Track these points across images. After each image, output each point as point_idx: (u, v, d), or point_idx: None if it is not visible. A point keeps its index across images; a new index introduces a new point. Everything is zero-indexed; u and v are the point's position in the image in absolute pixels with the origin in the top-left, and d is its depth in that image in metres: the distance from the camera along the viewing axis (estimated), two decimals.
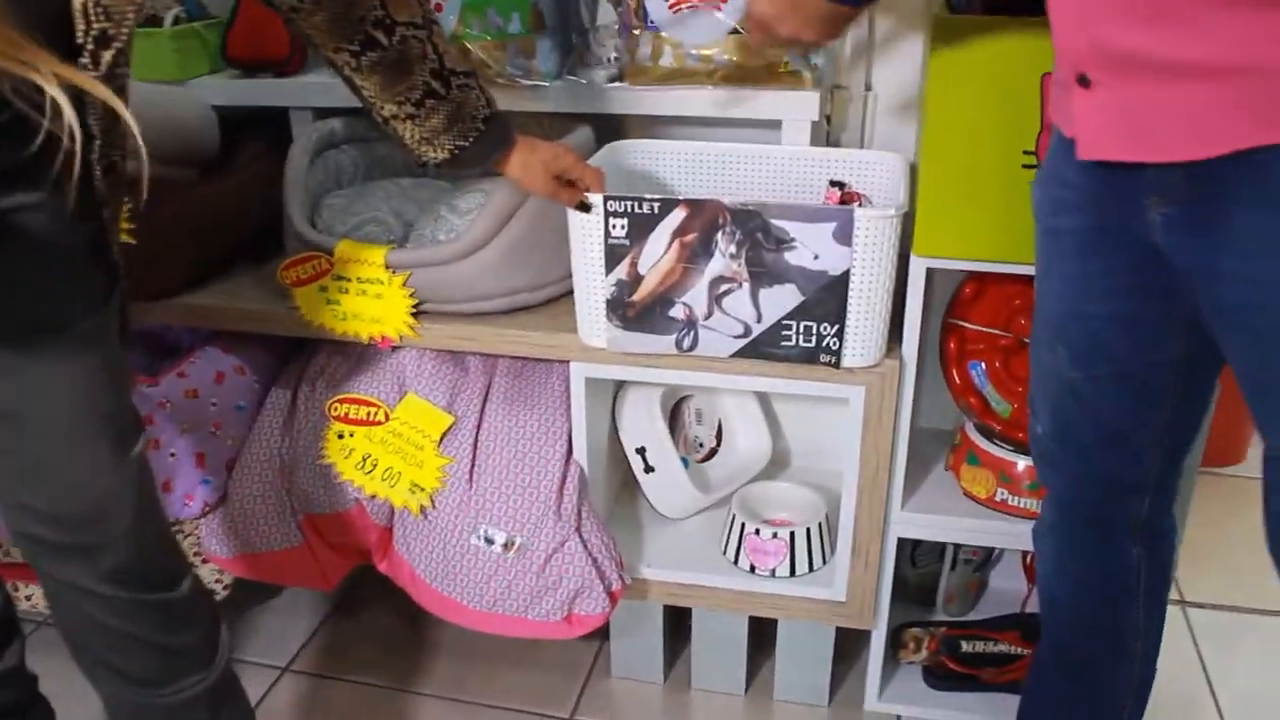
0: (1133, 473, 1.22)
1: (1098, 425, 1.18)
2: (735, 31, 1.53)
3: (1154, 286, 1.04)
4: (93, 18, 0.91)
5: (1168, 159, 0.93)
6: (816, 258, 1.37)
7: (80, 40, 0.91)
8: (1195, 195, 0.94)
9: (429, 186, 1.77)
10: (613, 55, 1.60)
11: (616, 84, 1.61)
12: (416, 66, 1.26)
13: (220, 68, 1.87)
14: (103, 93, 0.89)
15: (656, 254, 1.41)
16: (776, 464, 1.86)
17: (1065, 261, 1.10)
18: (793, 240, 1.37)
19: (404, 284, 1.54)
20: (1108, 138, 0.97)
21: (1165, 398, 1.14)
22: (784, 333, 1.42)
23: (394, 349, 1.65)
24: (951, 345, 1.59)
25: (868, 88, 1.71)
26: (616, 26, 1.59)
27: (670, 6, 1.54)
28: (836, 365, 1.44)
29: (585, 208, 1.41)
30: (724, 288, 1.42)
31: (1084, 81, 0.96)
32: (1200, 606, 2.06)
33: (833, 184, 1.58)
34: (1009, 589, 1.93)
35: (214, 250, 1.76)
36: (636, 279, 1.43)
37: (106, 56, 0.94)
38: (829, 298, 1.39)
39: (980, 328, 1.57)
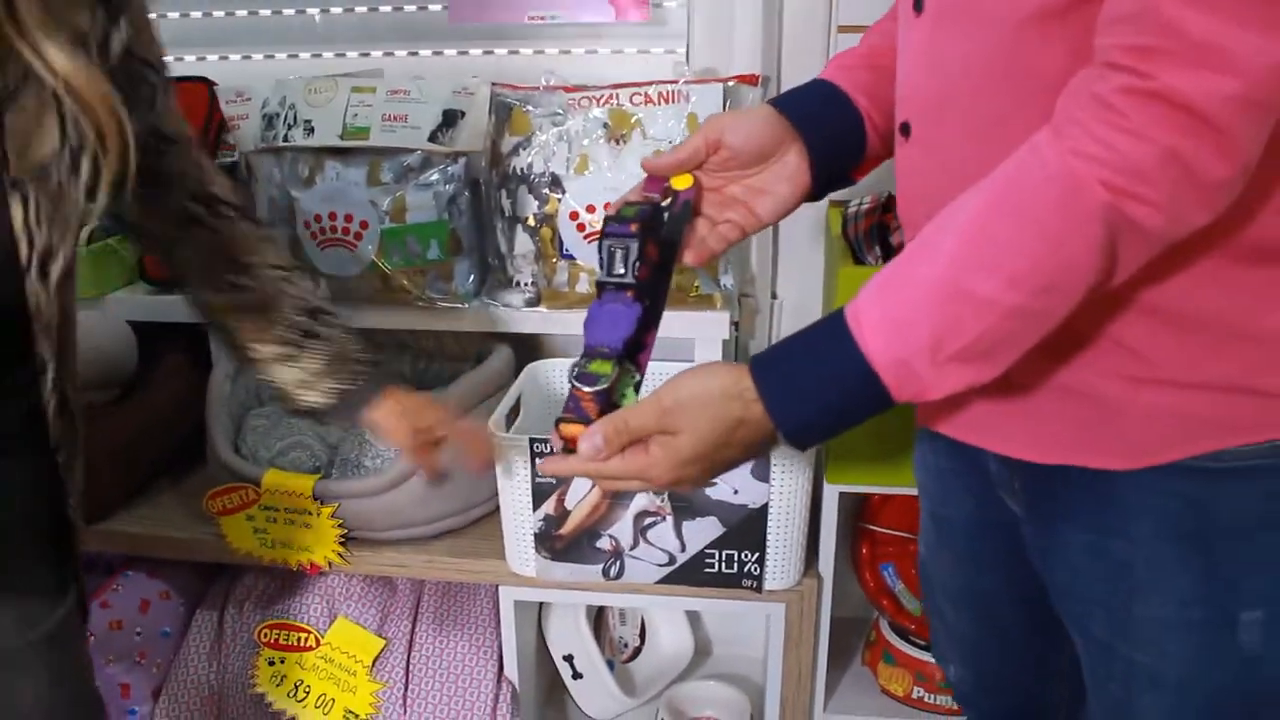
0: (1056, 690, 1.27)
1: (1010, 665, 1.25)
2: None
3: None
4: (35, 233, 0.85)
5: (1006, 453, 0.94)
6: (736, 492, 1.44)
7: (24, 258, 0.85)
8: (1033, 497, 0.96)
9: None
10: (529, 281, 1.66)
11: (534, 308, 1.67)
12: (287, 305, 1.21)
13: (135, 279, 1.88)
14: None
15: (582, 490, 1.47)
16: (699, 653, 1.91)
17: (955, 540, 1.14)
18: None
19: (332, 514, 1.57)
20: (957, 418, 0.97)
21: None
22: (707, 560, 1.48)
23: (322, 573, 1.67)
24: (864, 549, 1.67)
25: (774, 296, 1.79)
26: (533, 253, 1.65)
27: (585, 237, 1.60)
28: (758, 589, 1.50)
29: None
30: (648, 521, 1.47)
31: None
32: None
33: None
34: None
35: (137, 472, 1.77)
36: (563, 514, 1.48)
37: (55, 271, 0.87)
38: (749, 528, 1.45)
39: (890, 531, 1.65)
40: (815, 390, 0.83)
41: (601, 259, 0.93)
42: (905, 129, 0.95)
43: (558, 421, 0.88)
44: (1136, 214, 0.72)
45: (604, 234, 0.93)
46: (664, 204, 0.97)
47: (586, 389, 0.87)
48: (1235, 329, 0.82)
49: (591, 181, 1.58)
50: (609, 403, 0.88)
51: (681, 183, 0.99)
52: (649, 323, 0.94)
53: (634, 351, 0.92)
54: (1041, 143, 0.75)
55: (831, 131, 1.03)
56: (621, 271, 0.91)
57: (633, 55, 1.86)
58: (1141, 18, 0.69)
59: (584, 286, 1.64)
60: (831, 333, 0.82)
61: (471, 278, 1.69)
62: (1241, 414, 0.84)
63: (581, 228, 1.59)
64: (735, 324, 1.78)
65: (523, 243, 1.65)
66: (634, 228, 0.92)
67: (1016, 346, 0.80)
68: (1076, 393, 0.87)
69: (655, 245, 0.94)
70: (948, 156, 0.89)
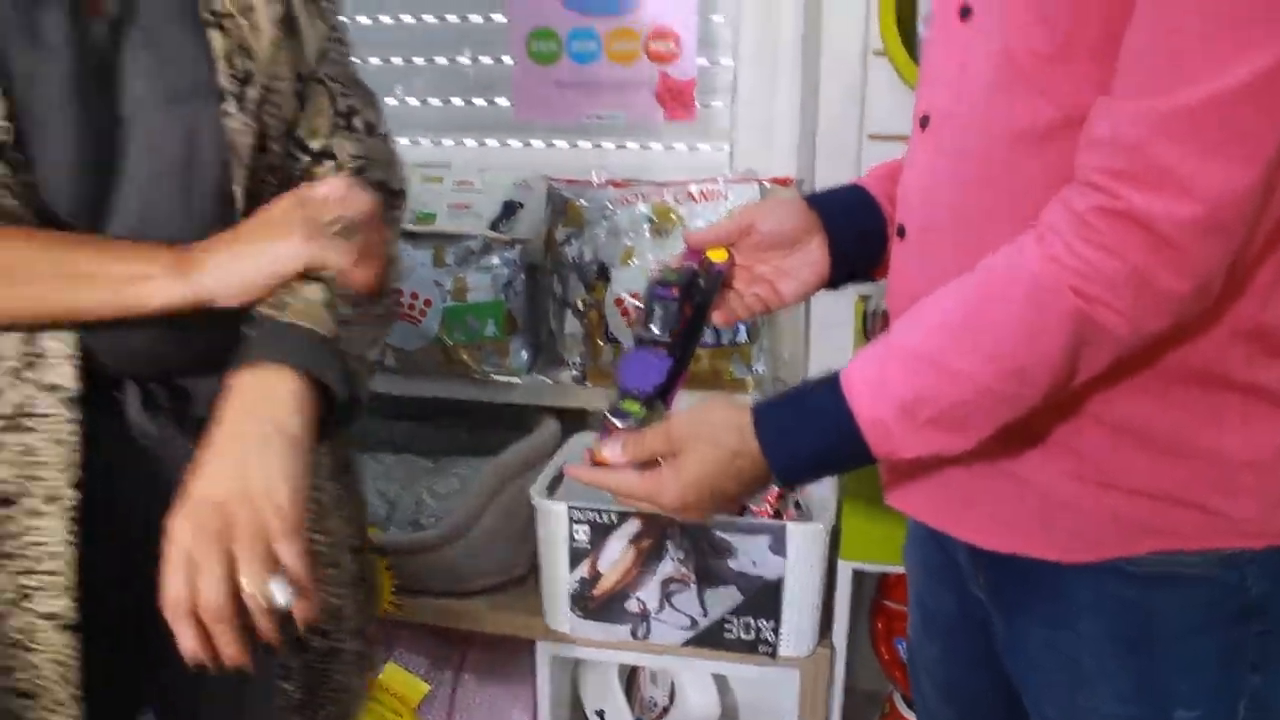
0: None
1: None
2: None
3: None
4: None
5: (960, 536, 1.02)
6: (755, 564, 1.56)
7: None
8: (995, 588, 1.04)
9: (408, 464, 1.95)
10: (577, 359, 1.81)
11: (581, 384, 1.82)
12: None
13: None
14: None
15: (614, 556, 1.60)
16: (726, 716, 2.01)
17: (940, 635, 1.20)
18: (734, 549, 1.56)
19: (388, 566, 1.71)
20: (919, 496, 1.05)
21: None
22: (727, 627, 1.60)
23: None
24: (879, 624, 1.77)
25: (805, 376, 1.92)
26: (581, 334, 1.80)
27: (628, 322, 1.75)
28: (774, 656, 1.61)
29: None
30: (673, 587, 1.60)
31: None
32: None
33: None
34: None
35: None
36: (596, 576, 1.61)
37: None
38: (766, 599, 1.57)
39: (904, 607, 1.75)
40: (804, 434, 0.94)
41: (643, 314, 1.07)
42: (901, 230, 1.07)
43: (590, 446, 1.02)
44: (1103, 319, 0.83)
45: (648, 294, 1.07)
46: (701, 273, 1.10)
47: (619, 423, 1.00)
48: (1175, 445, 0.92)
49: (635, 272, 1.73)
50: None
51: (717, 255, 1.12)
52: (678, 373, 1.06)
53: (662, 395, 1.04)
54: (1025, 245, 0.86)
55: (854, 230, 1.14)
56: (659, 328, 1.04)
57: (681, 151, 2.01)
58: (1116, 143, 0.81)
59: None
60: (826, 387, 0.93)
61: (524, 354, 1.85)
62: (1180, 523, 0.93)
63: (625, 313, 1.74)
64: None
65: (572, 324, 1.80)
66: (675, 291, 1.05)
67: (985, 423, 0.90)
68: (1026, 483, 0.96)
69: (690, 307, 1.07)
70: (936, 258, 1.00)
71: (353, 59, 1.11)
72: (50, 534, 0.88)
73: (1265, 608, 0.94)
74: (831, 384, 0.93)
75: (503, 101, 2.05)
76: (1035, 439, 0.95)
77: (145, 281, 0.88)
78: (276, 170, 1.00)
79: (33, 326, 0.88)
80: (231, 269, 0.90)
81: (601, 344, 1.78)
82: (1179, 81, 0.77)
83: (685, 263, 1.11)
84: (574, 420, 1.89)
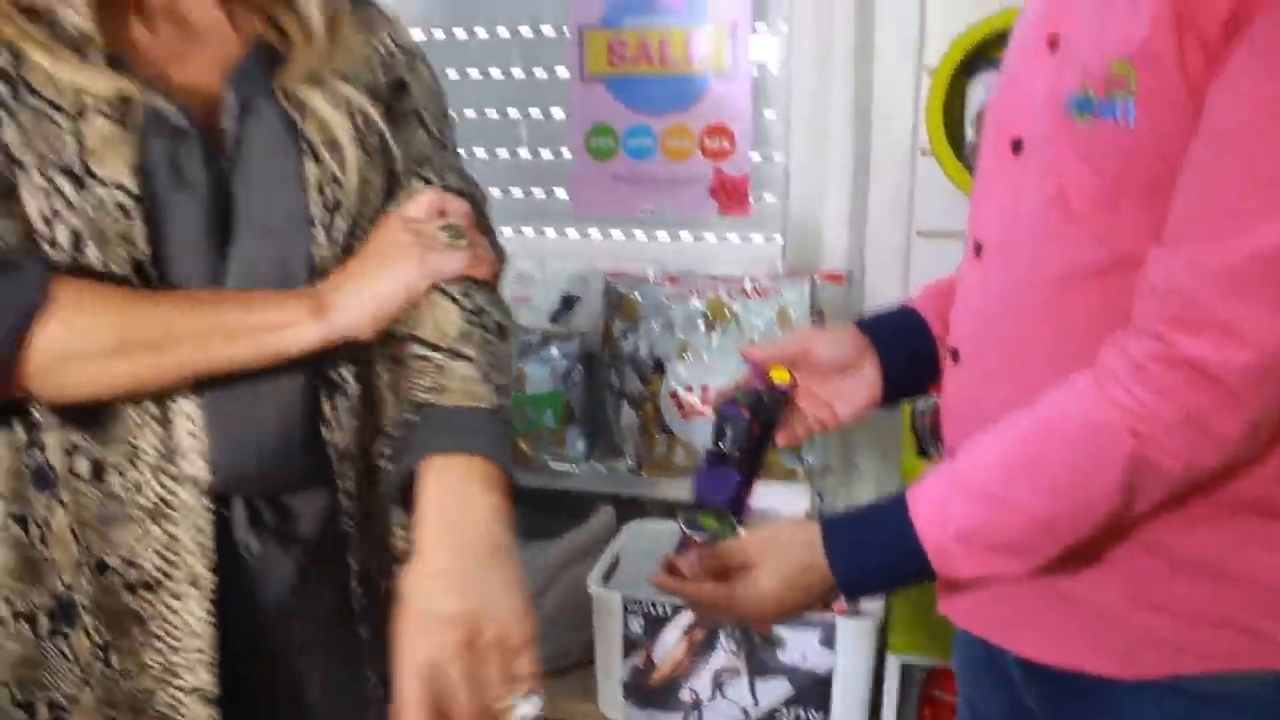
0: None
1: None
2: None
3: None
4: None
5: (1016, 650, 1.06)
6: (805, 657, 1.59)
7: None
8: (1049, 702, 1.07)
9: None
10: (632, 449, 1.86)
11: (635, 473, 1.87)
12: None
13: None
14: None
15: (668, 646, 1.64)
16: None
17: None
18: (784, 641, 1.59)
19: None
20: (972, 607, 1.09)
21: None
22: (777, 718, 1.63)
23: None
24: (927, 715, 1.79)
25: (855, 468, 1.96)
26: (636, 426, 1.85)
27: (682, 414, 1.80)
28: None
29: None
30: (725, 677, 1.63)
31: None
32: None
33: None
34: None
35: None
36: (650, 666, 1.65)
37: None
38: (816, 691, 1.60)
39: (953, 698, 1.78)
40: (870, 553, 1.01)
41: (714, 431, 1.14)
42: (955, 354, 1.12)
43: (668, 556, 1.09)
44: (1158, 460, 0.88)
45: (719, 413, 1.14)
46: (765, 393, 1.16)
47: (695, 535, 1.09)
48: (1226, 571, 0.95)
49: (690, 366, 1.79)
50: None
51: (781, 376, 1.18)
52: (747, 487, 1.14)
53: (734, 508, 1.11)
54: (1084, 386, 0.91)
55: (905, 354, 1.20)
56: (729, 446, 1.12)
57: (734, 242, 2.07)
58: (1171, 293, 0.86)
59: (680, 458, 1.84)
60: (892, 509, 0.99)
61: (581, 443, 1.91)
62: (1232, 645, 0.97)
63: (680, 406, 1.79)
64: (819, 494, 1.95)
65: (628, 416, 1.86)
66: (745, 412, 1.13)
67: (1041, 551, 0.96)
68: (1079, 602, 1.01)
69: (758, 425, 1.14)
70: (988, 383, 1.06)
71: (459, 158, 1.19)
72: (192, 614, 0.96)
73: None
74: (898, 506, 0.99)
75: (561, 194, 2.12)
76: (1090, 561, 0.99)
77: (283, 329, 0.94)
78: None
79: (172, 390, 0.95)
80: (362, 303, 0.96)
81: (656, 435, 1.83)
82: (1230, 234, 0.83)
83: (751, 383, 1.17)
84: (629, 508, 1.94)
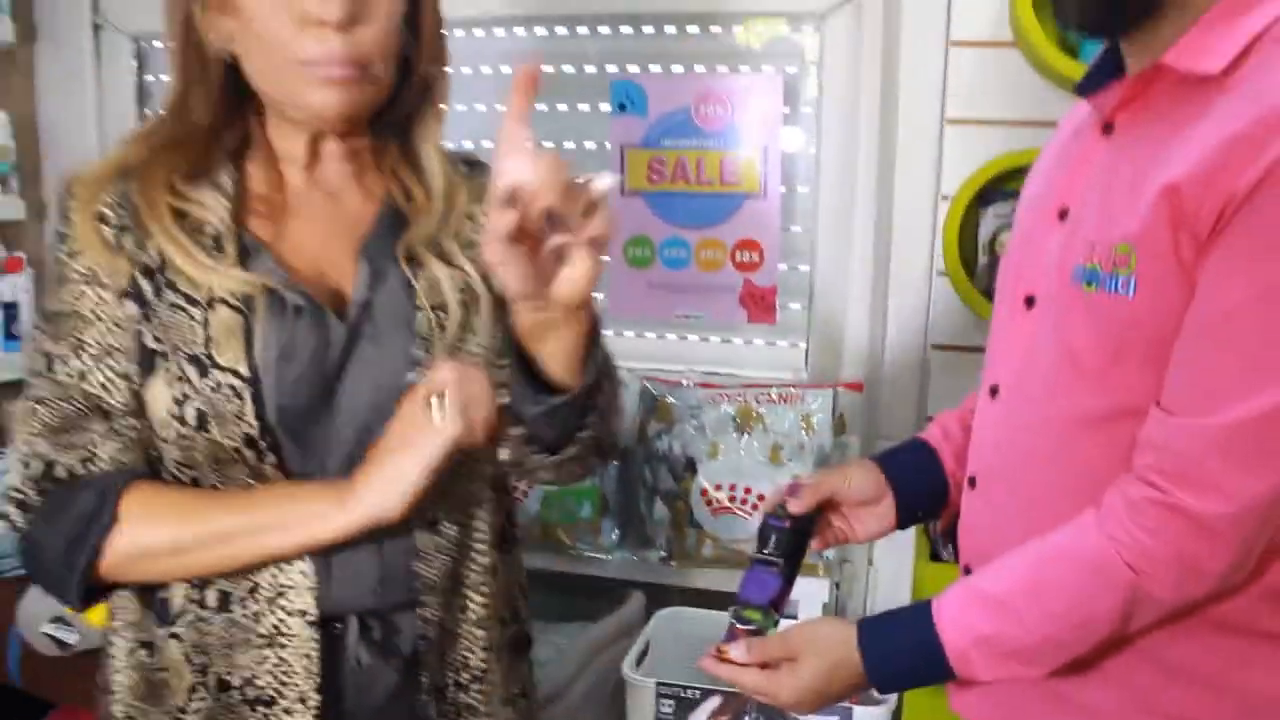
0: None
1: None
2: None
3: None
4: None
5: None
6: None
7: None
8: None
9: None
10: (663, 541, 2.00)
11: (666, 563, 2.00)
12: None
13: None
14: None
15: None
16: None
17: None
18: None
19: None
20: (982, 705, 1.23)
21: None
22: None
23: None
24: None
25: (870, 563, 2.09)
26: (668, 520, 1.99)
27: (711, 511, 1.94)
28: None
29: None
30: None
31: None
32: None
33: None
34: None
35: None
36: None
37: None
38: None
39: None
40: (900, 653, 1.15)
41: (759, 539, 1.30)
42: (972, 481, 1.27)
43: (718, 645, 1.23)
44: (1151, 589, 1.02)
45: (764, 524, 1.30)
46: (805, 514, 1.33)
47: (742, 627, 1.22)
48: (1212, 682, 1.09)
49: (720, 466, 1.93)
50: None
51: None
52: (787, 587, 1.29)
53: (775, 605, 1.27)
54: (1088, 524, 1.06)
55: (919, 491, 1.36)
56: (772, 551, 1.28)
57: (760, 346, 2.22)
58: (1166, 450, 1.01)
59: (708, 550, 1.98)
60: (919, 616, 1.13)
61: (615, 533, 2.04)
62: None
63: (709, 503, 1.93)
64: (836, 585, 2.08)
65: (660, 510, 1.99)
66: (787, 523, 1.29)
67: (1050, 660, 1.10)
68: (1077, 706, 1.14)
69: (796, 535, 1.30)
70: (1003, 508, 1.21)
71: None
72: None
73: None
74: (923, 614, 1.13)
75: (600, 297, 2.27)
76: (1088, 666, 1.13)
77: (318, 520, 1.05)
78: None
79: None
80: (386, 490, 1.05)
81: (686, 529, 1.96)
82: (1217, 408, 0.98)
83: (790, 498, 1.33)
84: (658, 595, 2.07)
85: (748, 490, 1.94)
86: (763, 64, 2.15)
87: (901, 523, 1.36)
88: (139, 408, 1.08)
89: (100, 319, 1.08)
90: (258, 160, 1.15)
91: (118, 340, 1.07)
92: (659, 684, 1.76)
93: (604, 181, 0.90)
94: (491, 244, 0.88)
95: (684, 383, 2.01)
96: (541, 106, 2.27)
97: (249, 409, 1.05)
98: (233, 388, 1.04)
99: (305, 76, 1.05)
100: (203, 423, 1.05)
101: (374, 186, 1.18)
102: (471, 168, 1.24)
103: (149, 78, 2.51)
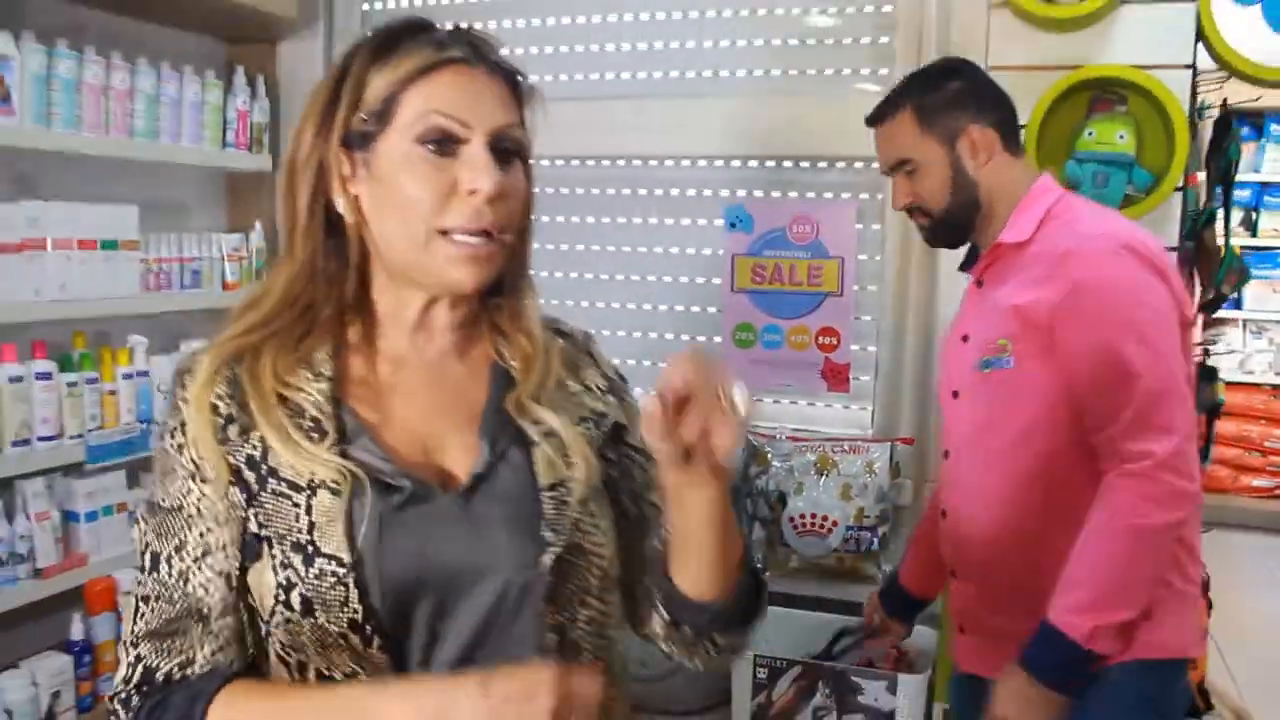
0: None
1: None
2: (836, 550, 2.58)
3: None
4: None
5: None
6: (876, 700, 2.35)
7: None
8: None
9: None
10: (760, 557, 2.66)
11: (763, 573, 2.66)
12: None
13: None
14: None
15: (783, 689, 2.41)
16: None
17: None
18: (863, 689, 2.36)
19: None
20: (977, 659, 1.94)
21: None
22: None
23: None
24: None
25: None
26: (763, 540, 2.65)
27: (797, 534, 2.60)
28: None
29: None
30: (821, 714, 2.40)
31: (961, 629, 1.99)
32: None
33: None
34: None
35: None
36: (769, 703, 2.42)
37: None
38: None
39: None
40: (1053, 667, 1.75)
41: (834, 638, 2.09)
42: (944, 513, 1.98)
43: None
44: (1167, 519, 1.70)
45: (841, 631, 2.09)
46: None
47: None
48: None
49: (804, 500, 2.59)
50: None
51: None
52: None
53: None
54: (1110, 510, 1.72)
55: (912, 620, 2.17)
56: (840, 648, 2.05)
57: (837, 409, 2.88)
58: (1123, 440, 1.70)
59: (794, 562, 2.63)
60: (1048, 634, 1.75)
61: None
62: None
63: (795, 528, 2.59)
64: None
65: (758, 532, 2.66)
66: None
67: (1135, 595, 1.74)
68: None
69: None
70: (966, 527, 1.93)
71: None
72: None
73: None
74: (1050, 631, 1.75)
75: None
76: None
77: None
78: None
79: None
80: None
81: (778, 547, 2.63)
82: (1129, 401, 1.68)
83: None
84: None
85: (825, 518, 2.59)
86: (842, 193, 2.83)
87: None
88: (236, 601, 1.08)
89: (202, 515, 1.07)
90: (359, 329, 1.14)
91: (218, 538, 1.07)
92: (756, 655, 2.42)
93: (741, 394, 0.96)
94: (652, 425, 0.94)
95: (778, 436, 2.68)
96: (668, 220, 2.99)
97: (353, 595, 1.02)
98: (336, 575, 1.02)
99: (447, 249, 1.06)
100: (308, 608, 1.02)
101: (476, 353, 1.17)
102: (559, 334, 1.23)
103: None
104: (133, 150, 2.58)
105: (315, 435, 1.06)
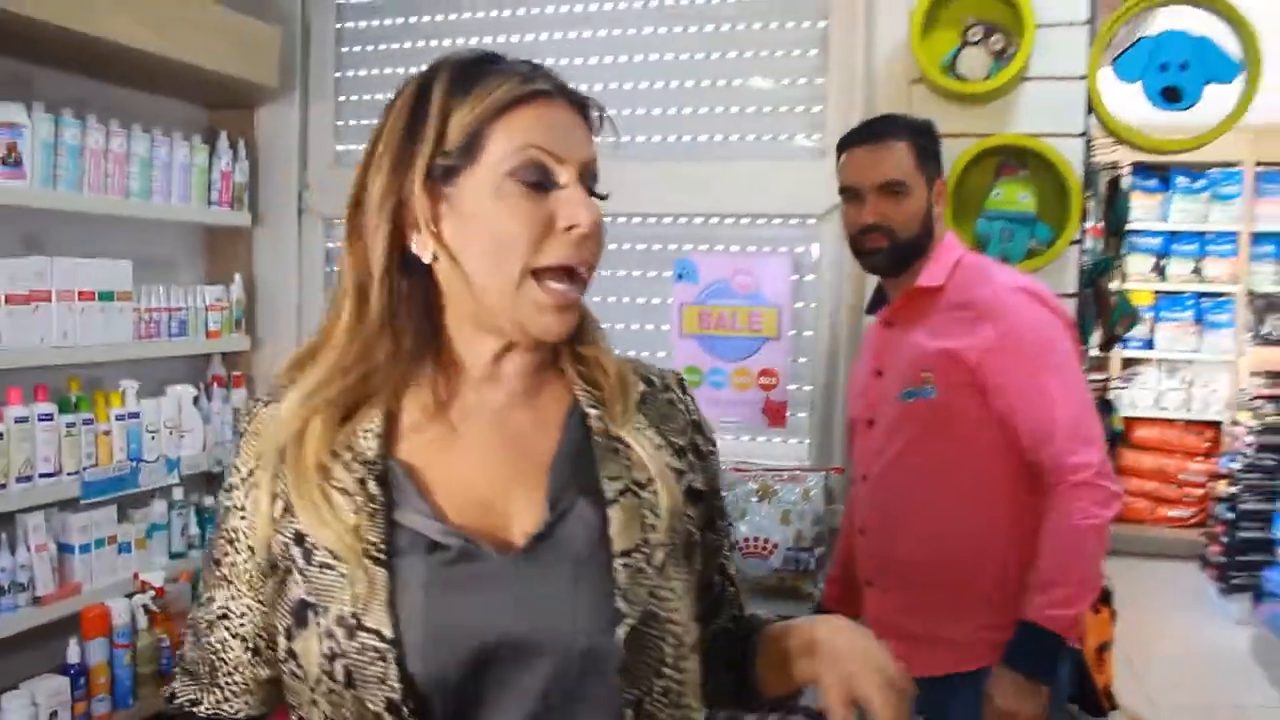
0: None
1: None
2: (777, 570, 2.82)
3: None
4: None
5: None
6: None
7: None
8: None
9: None
10: None
11: None
12: None
13: None
14: None
15: None
16: None
17: None
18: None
19: None
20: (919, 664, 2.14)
21: None
22: None
23: None
24: None
25: None
26: None
27: (743, 556, 2.84)
28: None
29: None
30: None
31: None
32: None
33: None
34: None
35: None
36: None
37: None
38: None
39: None
40: (1039, 658, 2.02)
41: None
42: (863, 531, 2.24)
43: None
44: (1103, 518, 1.97)
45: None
46: None
47: None
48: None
49: (748, 525, 2.83)
50: None
51: None
52: None
53: None
54: (1062, 514, 1.97)
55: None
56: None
57: (777, 442, 3.14)
58: (1062, 456, 1.98)
59: None
60: (1028, 631, 2.00)
61: None
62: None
63: (740, 551, 2.82)
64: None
65: None
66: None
67: (1092, 583, 2.03)
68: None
69: None
70: (879, 539, 2.19)
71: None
72: None
73: None
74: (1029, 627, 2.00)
75: None
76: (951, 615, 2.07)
77: None
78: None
79: None
80: None
81: None
82: (1056, 420, 1.97)
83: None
84: None
85: (766, 541, 2.82)
86: (779, 247, 3.10)
87: None
88: (253, 661, 1.09)
89: (232, 582, 1.07)
90: (419, 378, 1.07)
91: (241, 603, 1.07)
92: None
93: None
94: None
95: (723, 467, 2.92)
96: (620, 272, 3.24)
97: (392, 673, 0.97)
98: (376, 650, 0.97)
99: (538, 295, 1.02)
100: (350, 681, 0.98)
101: (544, 400, 1.11)
102: (641, 378, 1.18)
103: (330, 245, 3.40)
104: (129, 209, 2.80)
105: (359, 499, 1.01)
